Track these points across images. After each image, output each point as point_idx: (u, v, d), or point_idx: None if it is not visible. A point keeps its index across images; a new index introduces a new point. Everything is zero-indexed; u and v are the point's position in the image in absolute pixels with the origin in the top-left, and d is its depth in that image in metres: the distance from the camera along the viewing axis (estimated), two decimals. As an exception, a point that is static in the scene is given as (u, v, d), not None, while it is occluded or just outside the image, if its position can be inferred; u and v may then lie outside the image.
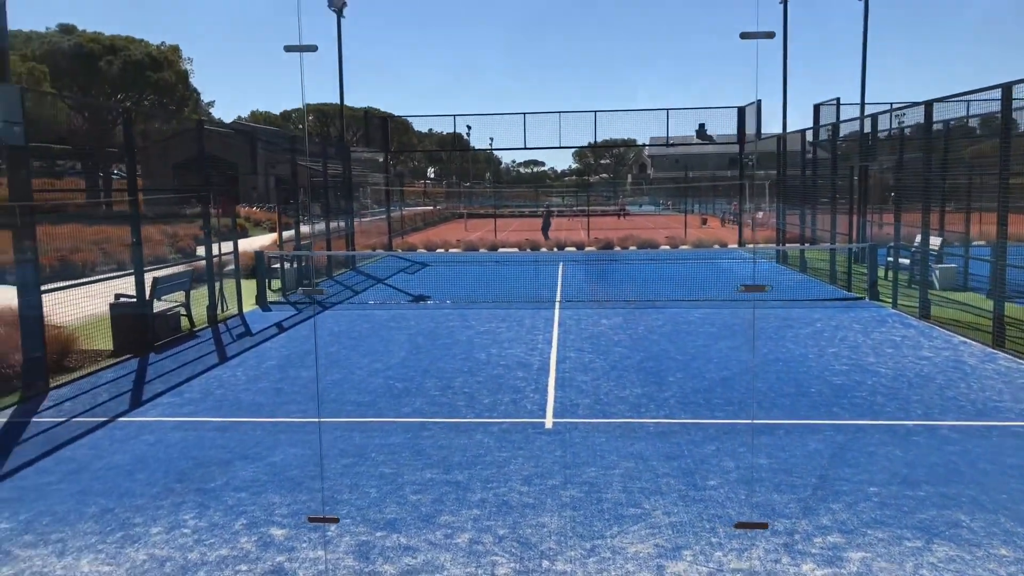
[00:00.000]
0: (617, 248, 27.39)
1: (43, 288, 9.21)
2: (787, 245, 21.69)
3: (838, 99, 22.37)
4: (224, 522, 5.44)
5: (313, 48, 3.97)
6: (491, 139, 37.29)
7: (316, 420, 7.81)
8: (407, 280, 20.01)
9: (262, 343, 11.82)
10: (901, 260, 15.84)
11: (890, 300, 14.56)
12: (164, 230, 29.99)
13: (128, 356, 10.88)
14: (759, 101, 24.69)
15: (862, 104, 24.16)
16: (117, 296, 11.67)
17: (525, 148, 26.94)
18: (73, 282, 11.23)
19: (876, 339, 11.27)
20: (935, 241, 16.68)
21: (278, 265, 17.58)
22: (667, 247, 27.87)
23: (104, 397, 8.87)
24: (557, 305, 14.98)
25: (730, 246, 27.23)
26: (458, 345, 11.34)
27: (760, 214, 45.03)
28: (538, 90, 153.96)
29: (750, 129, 25.80)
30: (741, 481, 6.03)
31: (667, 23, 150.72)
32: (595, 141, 29.01)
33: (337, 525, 5.34)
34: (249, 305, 15.16)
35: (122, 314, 11.35)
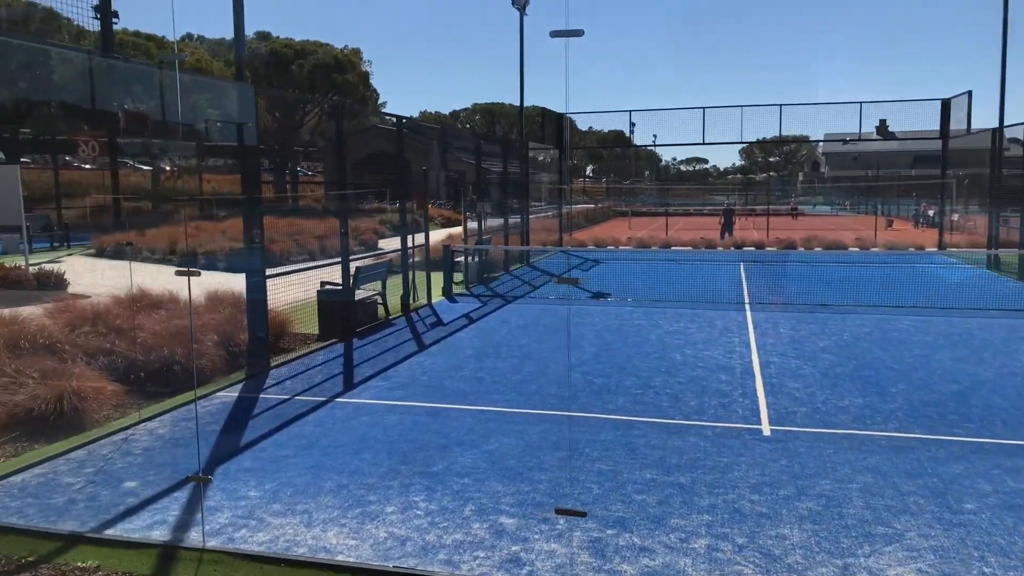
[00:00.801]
0: (800, 249, 26.02)
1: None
2: (1000, 250, 19.70)
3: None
4: (454, 507, 5.51)
5: (579, 33, 3.88)
6: (654, 136, 36.62)
7: (527, 411, 7.82)
8: (581, 276, 19.92)
9: (455, 333, 12.09)
10: None
11: None
12: (349, 224, 31.61)
13: (334, 340, 11.45)
14: (970, 92, 22.59)
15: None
16: (322, 284, 12.32)
17: (702, 143, 26.12)
18: (287, 269, 11.96)
19: None
20: None
21: (460, 259, 18.01)
22: (856, 249, 26.15)
23: (319, 378, 9.35)
24: (747, 307, 14.35)
25: (928, 249, 25.14)
26: (649, 344, 11.09)
27: (956, 216, 41.46)
28: (705, 85, 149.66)
29: (956, 124, 23.65)
30: (1004, 507, 5.41)
31: (848, 12, 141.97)
32: (779, 134, 27.69)
33: (565, 519, 5.26)
34: (436, 296, 15.61)
35: (329, 300, 11.97)
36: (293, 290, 12.10)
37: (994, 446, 6.68)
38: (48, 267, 15.44)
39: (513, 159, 23.01)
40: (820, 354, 10.32)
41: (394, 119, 14.10)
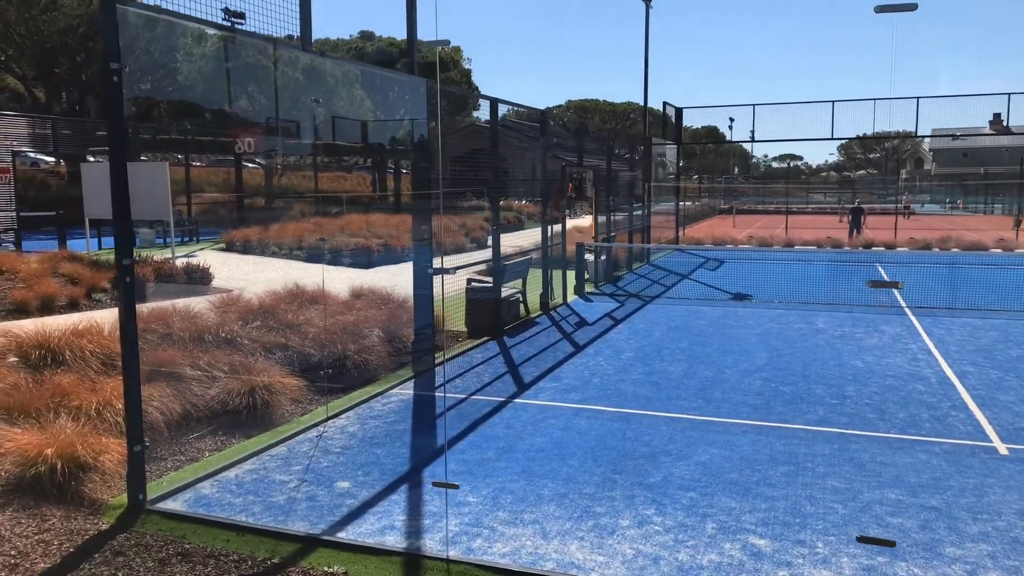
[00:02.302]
0: (936, 250, 24.59)
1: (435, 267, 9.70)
2: None
3: None
4: (692, 523, 5.14)
5: (913, 7, 3.44)
6: (752, 131, 35.32)
7: (724, 420, 7.40)
8: (710, 275, 19.26)
9: (605, 333, 11.72)
10: None
11: None
12: (460, 221, 31.82)
13: (486, 338, 11.27)
14: None
15: None
16: (469, 281, 12.16)
17: (830, 139, 24.89)
18: (454, 264, 11.84)
19: None
20: None
21: (589, 257, 17.64)
22: (998, 251, 24.52)
23: (487, 377, 9.15)
24: (908, 311, 13.48)
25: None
26: (820, 349, 10.46)
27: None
28: (807, 78, 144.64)
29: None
30: None
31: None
32: (871, 130, 26.17)
33: (822, 543, 4.83)
34: (570, 295, 15.30)
35: (477, 298, 11.80)
36: (437, 286, 11.98)
37: None
38: (193, 261, 15.86)
39: (631, 156, 22.50)
40: (1018, 364, 9.50)
41: (534, 114, 13.84)
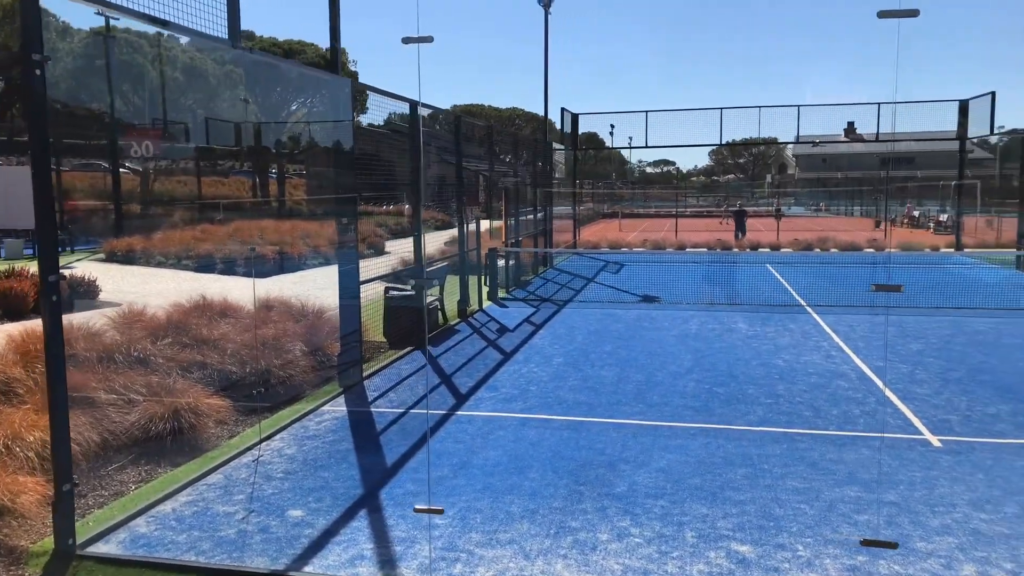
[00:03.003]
0: (817, 250, 25.97)
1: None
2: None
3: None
4: (671, 533, 5.07)
5: (915, 13, 3.49)
6: (630, 138, 36.40)
7: (670, 424, 7.41)
8: (615, 279, 19.56)
9: (529, 339, 11.62)
10: None
11: None
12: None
13: (410, 348, 10.93)
14: (993, 93, 22.71)
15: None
16: (387, 289, 11.78)
17: (718, 145, 25.89)
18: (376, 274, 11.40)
19: None
20: None
21: (500, 262, 17.53)
22: (871, 250, 26.18)
23: (421, 389, 8.84)
24: (809, 310, 14.10)
25: (944, 251, 25.26)
26: (738, 349, 10.74)
27: (944, 217, 41.99)
28: (685, 87, 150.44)
29: (977, 127, 23.78)
30: None
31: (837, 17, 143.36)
32: (761, 134, 27.60)
33: (801, 545, 4.86)
34: (484, 301, 15.12)
35: (398, 307, 11.43)
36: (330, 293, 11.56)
37: None
38: (77, 273, 14.64)
39: (530, 161, 22.60)
40: (922, 358, 10.07)
41: (444, 118, 13.57)
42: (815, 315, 13.49)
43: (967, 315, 13.30)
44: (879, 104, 25.65)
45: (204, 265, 19.78)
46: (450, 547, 4.91)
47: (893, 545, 4.50)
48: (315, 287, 16.60)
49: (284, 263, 21.12)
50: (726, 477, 6.03)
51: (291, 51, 48.51)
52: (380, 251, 27.54)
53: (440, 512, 5.16)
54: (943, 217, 42.24)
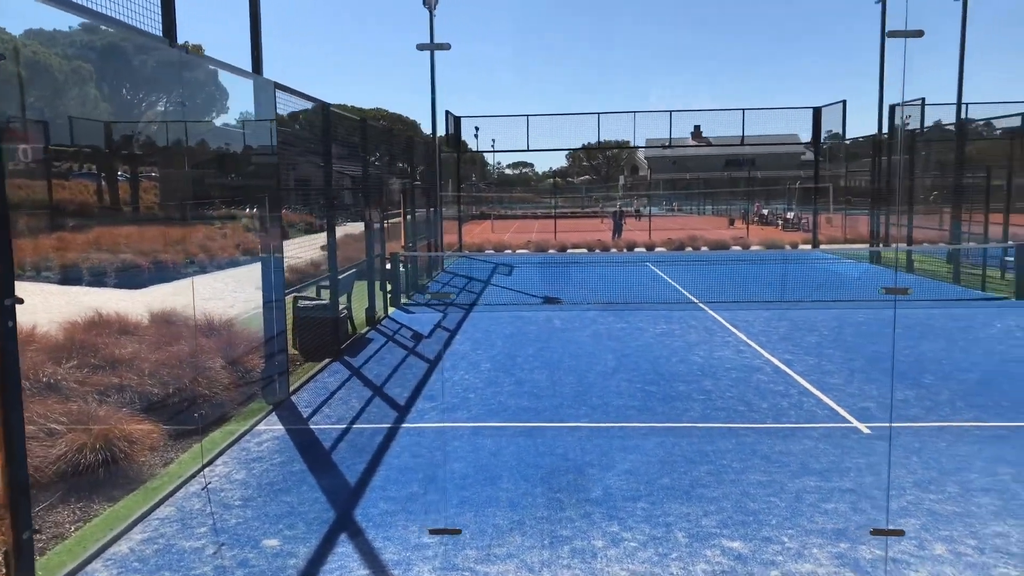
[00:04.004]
0: (689, 249, 27.24)
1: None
2: (868, 247, 21.61)
3: (923, 99, 22.31)
4: (661, 534, 5.17)
5: (920, 33, 3.74)
6: (493, 141, 36.87)
7: (620, 425, 7.54)
8: (511, 280, 19.71)
9: (448, 346, 11.50)
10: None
11: (1041, 300, 14.51)
12: (223, 231, 29.62)
13: (328, 360, 10.55)
14: (844, 101, 24.62)
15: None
16: (297, 299, 11.31)
17: (595, 147, 26.61)
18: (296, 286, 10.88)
19: (1079, 339, 11.16)
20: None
21: (397, 267, 17.24)
22: (738, 248, 27.75)
23: (355, 403, 8.54)
24: (704, 307, 14.76)
25: (801, 247, 27.16)
26: (654, 347, 11.10)
27: (791, 215, 45.14)
28: (545, 92, 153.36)
29: (829, 130, 25.71)
30: None
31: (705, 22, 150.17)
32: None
33: (787, 536, 5.09)
34: (388, 307, 14.82)
35: (309, 317, 10.99)
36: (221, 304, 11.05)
37: (1070, 429, 7.23)
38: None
39: (410, 163, 22.37)
40: (823, 349, 10.77)
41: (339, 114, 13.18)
42: (710, 311, 14.14)
43: (845, 308, 14.36)
44: (740, 110, 27.20)
45: (70, 277, 18.23)
46: (448, 566, 4.78)
47: (900, 532, 4.80)
48: (200, 298, 15.72)
49: (160, 273, 19.83)
50: (692, 475, 6.22)
51: (145, 47, 45.60)
52: (256, 256, 26.47)
53: (458, 532, 5.02)
54: (790, 215, 45.34)
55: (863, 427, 7.39)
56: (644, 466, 6.43)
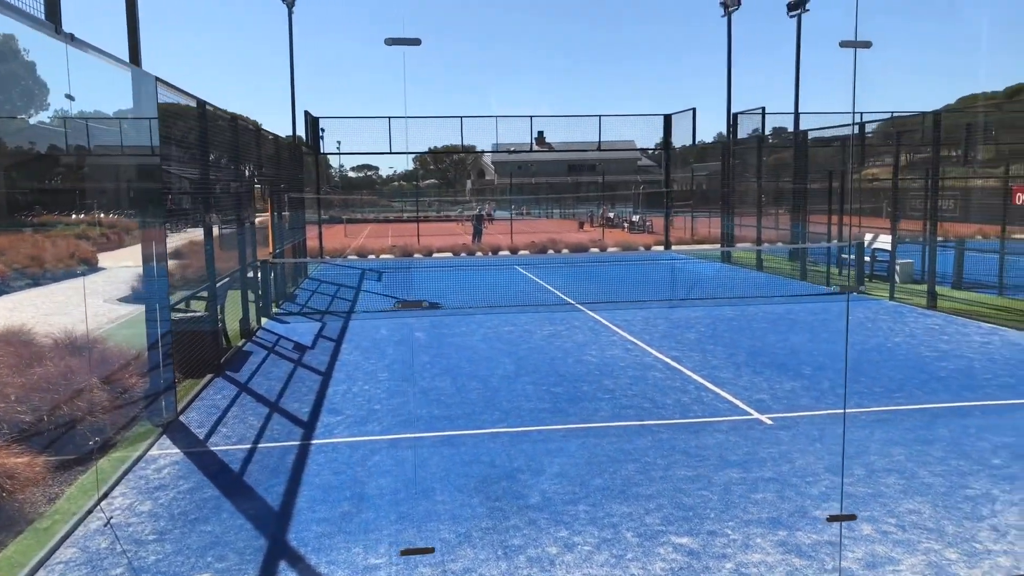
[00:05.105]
0: (551, 252, 27.80)
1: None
2: (711, 246, 23.02)
3: (763, 108, 23.98)
4: (612, 536, 5.20)
5: (416, 42, 3.97)
6: (339, 143, 36.57)
7: (539, 428, 7.53)
8: (383, 286, 19.31)
9: (337, 356, 11.07)
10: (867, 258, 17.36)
11: (875, 293, 15.96)
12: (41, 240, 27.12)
13: (210, 376, 9.87)
14: (694, 109, 26.06)
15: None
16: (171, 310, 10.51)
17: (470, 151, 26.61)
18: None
19: (925, 327, 12.35)
20: (888, 239, 18.41)
21: (268, 274, 16.42)
22: (596, 250, 28.65)
23: (255, 420, 8.03)
24: (581, 307, 15.09)
25: (655, 249, 28.45)
26: (547, 349, 11.21)
27: (636, 217, 47.23)
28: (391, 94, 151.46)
29: (681, 137, 27.13)
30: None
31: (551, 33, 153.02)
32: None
33: (729, 528, 5.27)
34: (259, 319, 14.09)
35: (186, 331, 10.23)
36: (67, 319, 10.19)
37: (914, 412, 7.98)
38: None
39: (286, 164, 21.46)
40: (705, 346, 11.29)
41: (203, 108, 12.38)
42: (589, 312, 14.49)
43: (711, 305, 15.16)
44: (596, 116, 28.15)
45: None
46: (407, 587, 4.58)
47: (852, 517, 5.07)
48: (42, 312, 14.30)
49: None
50: (622, 474, 6.31)
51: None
52: (94, 266, 24.41)
53: (431, 551, 4.78)
54: (635, 218, 47.43)
55: (764, 418, 7.79)
56: (573, 468, 6.45)
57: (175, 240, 15.48)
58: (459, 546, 5.07)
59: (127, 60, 7.88)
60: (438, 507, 5.70)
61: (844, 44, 3.96)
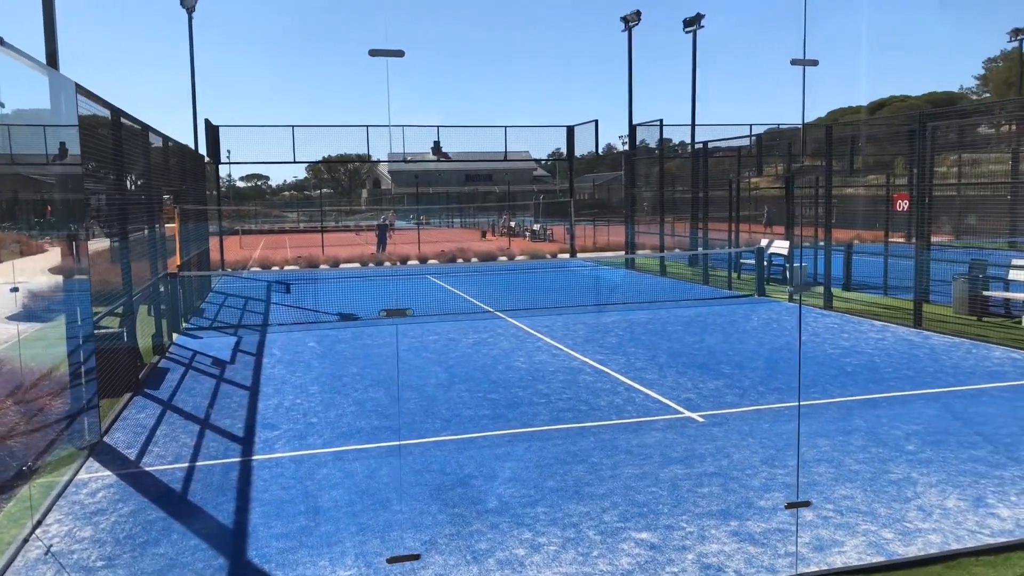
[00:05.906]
0: (460, 261, 27.89)
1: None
2: (634, 252, 23.73)
3: (661, 120, 24.93)
4: (575, 535, 5.35)
5: (400, 53, 4.26)
6: (228, 151, 35.69)
7: (484, 435, 7.60)
8: (292, 298, 18.91)
9: (260, 370, 10.80)
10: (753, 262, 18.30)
11: (775, 296, 16.87)
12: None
13: (129, 395, 9.45)
14: (596, 121, 26.74)
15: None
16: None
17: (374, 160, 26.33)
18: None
19: (825, 326, 13.16)
20: (783, 244, 19.50)
21: (177, 288, 15.78)
22: (504, 259, 28.92)
23: (187, 438, 7.76)
24: (501, 314, 15.26)
25: (560, 256, 28.99)
26: (476, 356, 11.31)
27: (537, 226, 47.99)
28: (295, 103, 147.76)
29: (583, 147, 27.77)
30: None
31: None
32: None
33: (684, 522, 5.51)
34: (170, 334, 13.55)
35: (110, 348, 9.75)
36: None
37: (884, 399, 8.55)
38: None
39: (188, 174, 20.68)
40: (626, 348, 11.66)
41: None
42: (509, 319, 14.68)
43: (625, 310, 15.64)
44: (502, 127, 28.45)
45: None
46: (383, 597, 4.58)
47: (807, 504, 5.38)
48: None
49: None
50: (573, 475, 6.48)
51: None
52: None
53: (417, 558, 4.76)
54: (536, 227, 48.16)
55: (696, 416, 8.15)
56: (524, 471, 6.57)
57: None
58: (427, 553, 5.10)
59: (43, 62, 7.46)
60: (398, 516, 5.70)
61: (795, 62, 4.26)
